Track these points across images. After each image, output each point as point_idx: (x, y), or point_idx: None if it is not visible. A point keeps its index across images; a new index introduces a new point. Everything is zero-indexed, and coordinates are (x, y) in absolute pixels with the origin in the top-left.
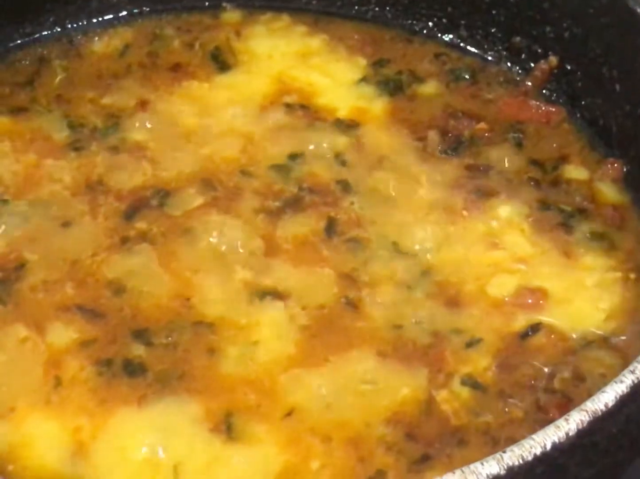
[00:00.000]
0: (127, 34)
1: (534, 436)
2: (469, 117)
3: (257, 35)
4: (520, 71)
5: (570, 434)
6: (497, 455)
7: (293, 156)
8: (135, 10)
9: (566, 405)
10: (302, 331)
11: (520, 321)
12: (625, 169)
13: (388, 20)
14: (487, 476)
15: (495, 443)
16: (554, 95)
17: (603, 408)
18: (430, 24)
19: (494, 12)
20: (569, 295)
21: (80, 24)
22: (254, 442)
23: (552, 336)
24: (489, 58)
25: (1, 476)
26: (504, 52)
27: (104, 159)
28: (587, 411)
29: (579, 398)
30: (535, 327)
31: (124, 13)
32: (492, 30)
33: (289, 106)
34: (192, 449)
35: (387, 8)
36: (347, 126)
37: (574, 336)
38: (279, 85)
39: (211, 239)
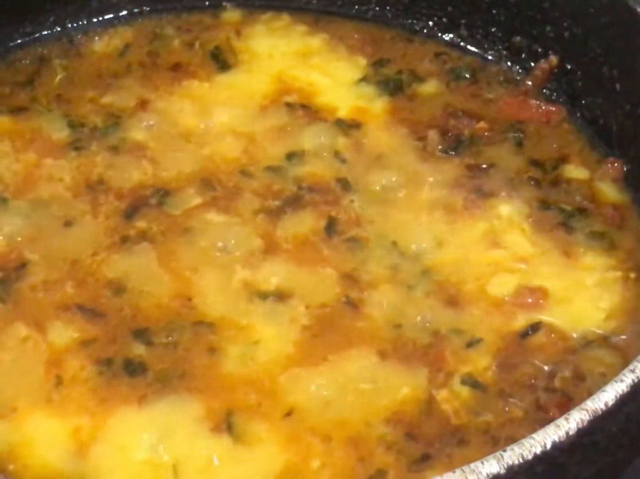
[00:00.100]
0: (127, 33)
1: (534, 435)
2: (469, 117)
3: (257, 34)
4: (520, 71)
5: (571, 433)
6: (498, 454)
7: (293, 156)
8: (136, 10)
9: (566, 404)
10: (302, 330)
11: (521, 321)
12: (625, 169)
13: (388, 19)
14: (488, 475)
15: (496, 442)
16: (554, 94)
17: (603, 407)
18: (431, 23)
19: (494, 11)
20: (569, 294)
21: (80, 23)
22: (255, 441)
23: (552, 336)
24: (489, 57)
25: (2, 475)
26: (504, 52)
27: (104, 158)
28: (587, 410)
29: (579, 397)
30: (535, 327)
31: (124, 13)
32: (493, 30)
33: (289, 106)
34: (193, 449)
35: (388, 7)
36: (348, 125)
37: (574, 335)
38: (279, 85)
39: (211, 239)
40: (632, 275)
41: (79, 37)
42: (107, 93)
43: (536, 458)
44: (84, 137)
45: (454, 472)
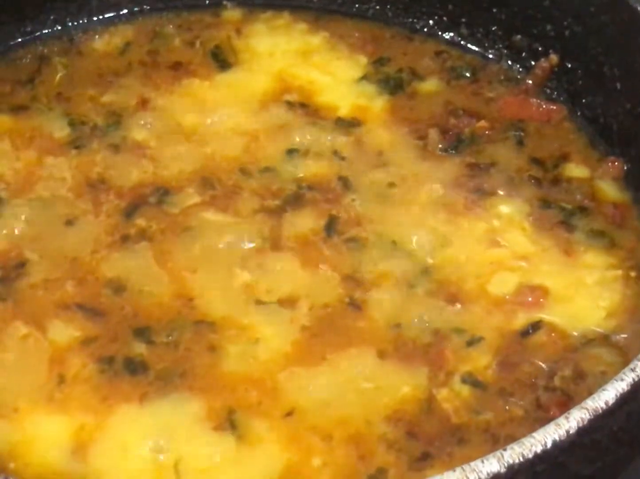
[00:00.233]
0: (128, 32)
1: (534, 434)
2: (469, 115)
3: (257, 33)
4: (520, 69)
5: (571, 432)
6: (498, 453)
7: (293, 154)
8: (136, 9)
9: (566, 403)
10: (303, 330)
11: (521, 319)
12: (625, 168)
13: (389, 18)
14: (488, 474)
15: (496, 441)
16: (555, 93)
17: (603, 405)
18: (431, 22)
19: (494, 10)
20: (570, 293)
21: (80, 22)
22: (256, 440)
23: (553, 334)
24: (490, 56)
25: (3, 474)
26: (505, 50)
27: (104, 157)
28: (587, 409)
29: (580, 396)
30: (535, 326)
31: (125, 11)
32: (493, 29)
33: (289, 104)
34: (194, 447)
35: (388, 6)
36: (348, 124)
37: (575, 334)
38: (280, 84)
39: (210, 238)
40: (633, 274)
41: (79, 35)
42: (108, 92)
43: (536, 456)
44: (85, 135)
45: (454, 471)
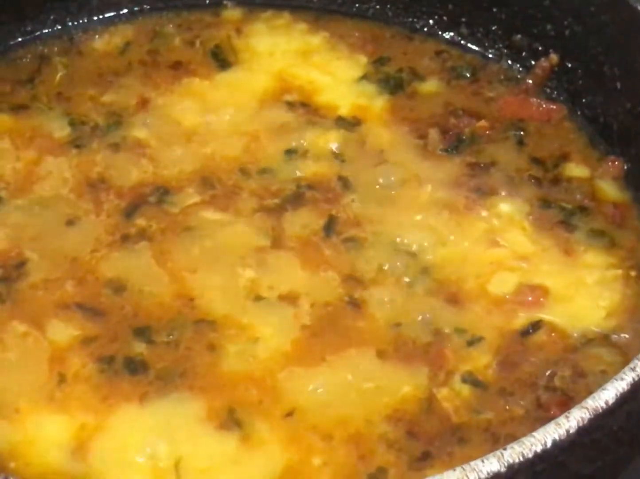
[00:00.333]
0: (128, 31)
1: (534, 433)
2: (469, 115)
3: (257, 33)
4: (521, 69)
5: (571, 431)
6: (498, 452)
7: (293, 154)
8: (136, 8)
9: (567, 403)
10: (303, 329)
11: (521, 319)
12: (625, 167)
13: (389, 18)
14: (488, 474)
15: (496, 440)
16: (555, 93)
17: (603, 405)
18: (431, 21)
19: (494, 10)
20: (570, 293)
21: (80, 21)
22: (257, 440)
23: (553, 334)
24: (490, 56)
25: (3, 473)
26: (505, 50)
27: (104, 156)
28: (587, 409)
29: (580, 395)
30: (536, 325)
31: (125, 11)
32: (493, 28)
33: (289, 104)
34: (194, 447)
35: (388, 6)
36: (348, 123)
37: (575, 333)
38: (280, 83)
39: (210, 238)
40: (633, 273)
41: (79, 35)
42: (108, 91)
43: (536, 456)
44: (85, 135)
45: (455, 470)
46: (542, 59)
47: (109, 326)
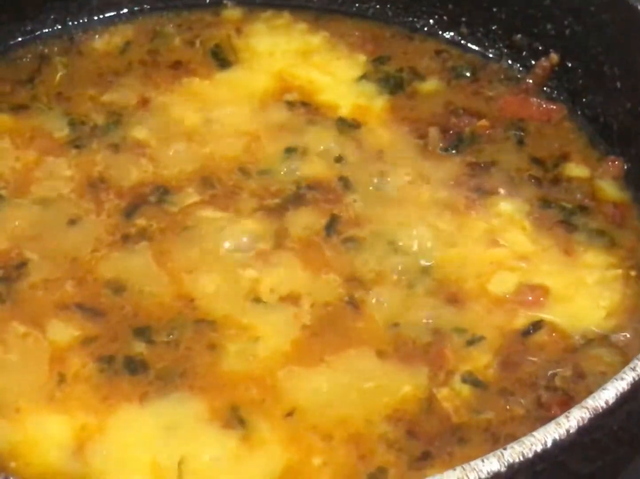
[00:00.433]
0: (128, 31)
1: (534, 433)
2: (469, 115)
3: (257, 32)
4: (521, 69)
5: (571, 431)
6: (498, 452)
7: (293, 154)
8: (136, 8)
9: (567, 402)
10: (303, 329)
11: (522, 319)
12: (626, 167)
13: (389, 17)
14: (488, 473)
15: (496, 440)
16: (555, 92)
17: (604, 405)
18: (431, 21)
19: (494, 9)
20: (570, 292)
21: (81, 21)
22: (257, 440)
23: (553, 334)
24: (490, 55)
25: (3, 473)
26: (505, 50)
27: (104, 156)
28: (587, 408)
29: (580, 395)
30: (536, 325)
31: (125, 10)
32: (493, 28)
33: (289, 104)
34: (195, 447)
35: (388, 5)
36: (348, 123)
37: (575, 333)
38: (280, 83)
39: (210, 237)
40: (633, 273)
41: (79, 35)
42: (108, 91)
43: (537, 456)
44: (85, 135)
45: (455, 470)
46: (542, 58)
47: (109, 326)
